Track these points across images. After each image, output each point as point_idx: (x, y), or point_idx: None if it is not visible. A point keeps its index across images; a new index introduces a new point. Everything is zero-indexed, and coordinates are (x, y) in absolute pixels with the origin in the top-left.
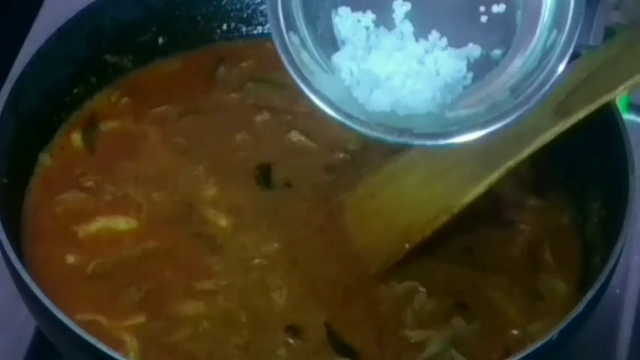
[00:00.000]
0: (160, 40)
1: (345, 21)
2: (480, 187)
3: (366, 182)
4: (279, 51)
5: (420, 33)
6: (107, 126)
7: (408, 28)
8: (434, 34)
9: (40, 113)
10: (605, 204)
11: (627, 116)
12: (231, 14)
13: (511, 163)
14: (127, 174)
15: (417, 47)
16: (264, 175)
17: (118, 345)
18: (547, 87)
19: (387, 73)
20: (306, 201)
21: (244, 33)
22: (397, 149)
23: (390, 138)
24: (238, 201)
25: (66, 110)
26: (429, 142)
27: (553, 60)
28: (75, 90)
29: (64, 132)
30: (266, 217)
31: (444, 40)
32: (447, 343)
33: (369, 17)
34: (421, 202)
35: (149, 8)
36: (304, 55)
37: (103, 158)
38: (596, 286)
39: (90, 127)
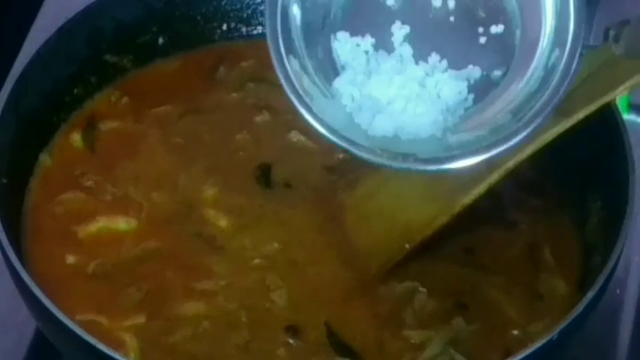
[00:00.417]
0: (160, 40)
1: (344, 45)
2: (480, 188)
3: (365, 182)
4: (280, 76)
5: (420, 55)
6: (107, 126)
7: (407, 51)
8: (433, 57)
9: (40, 113)
10: (605, 204)
11: (627, 116)
12: (231, 14)
13: (511, 163)
14: (127, 174)
15: (417, 70)
16: (264, 176)
17: (118, 345)
18: (549, 108)
19: (388, 97)
20: (306, 201)
21: (244, 33)
22: None
23: (395, 164)
24: (238, 201)
25: (66, 110)
26: (433, 168)
27: (556, 80)
28: (75, 90)
29: (64, 132)
30: (266, 218)
31: (444, 63)
32: (447, 344)
33: (368, 41)
34: (421, 202)
35: (149, 8)
36: (305, 81)
37: (103, 158)
38: (596, 286)
39: (90, 127)
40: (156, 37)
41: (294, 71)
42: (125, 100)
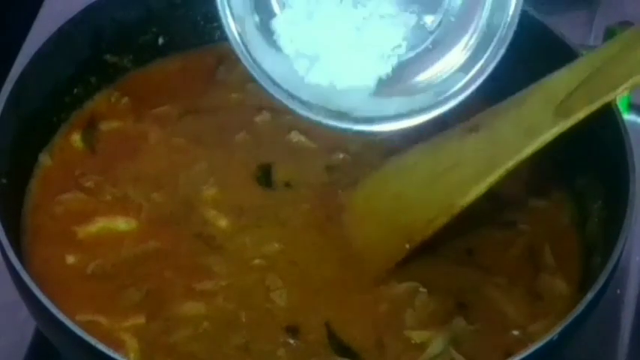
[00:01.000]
0: (160, 40)
1: None
2: (480, 188)
3: (366, 183)
4: (222, 20)
5: None
6: (107, 126)
7: None
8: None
9: (40, 113)
10: (605, 204)
11: (628, 116)
12: None
13: (511, 163)
14: (127, 174)
15: (356, 14)
16: (265, 176)
17: (117, 345)
18: (484, 75)
19: (326, 42)
20: (307, 201)
21: None
22: (397, 150)
23: (331, 122)
24: (238, 201)
25: (66, 110)
26: (368, 128)
27: (494, 44)
28: (75, 90)
29: (64, 132)
30: (266, 218)
31: (382, 7)
32: (447, 344)
33: None
34: (421, 202)
35: (149, 8)
36: (247, 25)
37: (103, 158)
38: (597, 286)
39: (90, 127)
40: (156, 37)
41: (237, 15)
42: (125, 100)
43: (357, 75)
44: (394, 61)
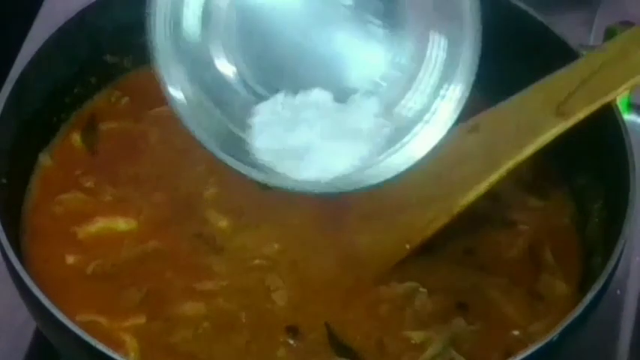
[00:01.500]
0: None
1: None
2: (480, 188)
3: None
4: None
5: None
6: (107, 126)
7: (323, 94)
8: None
9: (40, 114)
10: (605, 204)
11: (628, 116)
12: None
13: (511, 163)
14: (127, 174)
15: (334, 110)
16: None
17: (118, 346)
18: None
19: (308, 142)
20: (307, 201)
21: None
22: None
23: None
24: (238, 201)
25: (66, 110)
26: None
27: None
28: (75, 90)
29: (64, 132)
30: (266, 218)
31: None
32: (447, 344)
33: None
34: (421, 202)
35: None
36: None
37: (103, 158)
38: (597, 286)
39: (90, 127)
40: None
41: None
42: (125, 100)
43: (344, 163)
44: (379, 139)
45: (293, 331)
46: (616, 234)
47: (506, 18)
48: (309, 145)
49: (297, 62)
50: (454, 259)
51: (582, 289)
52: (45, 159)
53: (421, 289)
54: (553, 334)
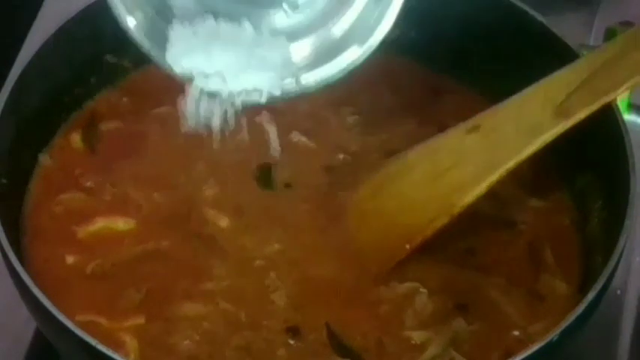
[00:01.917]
0: None
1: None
2: (480, 188)
3: (366, 183)
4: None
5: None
6: (107, 126)
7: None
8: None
9: (40, 113)
10: (605, 204)
11: (628, 116)
12: None
13: (511, 163)
14: (127, 174)
15: (248, 37)
16: (265, 176)
17: (117, 346)
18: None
19: (224, 64)
20: (307, 202)
21: None
22: (397, 150)
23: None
24: (238, 201)
25: (66, 110)
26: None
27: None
28: (75, 90)
29: (64, 132)
30: (266, 218)
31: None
32: (447, 344)
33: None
34: (421, 202)
35: None
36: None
37: (103, 158)
38: (597, 286)
39: (90, 127)
40: None
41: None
42: (125, 100)
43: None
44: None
45: (293, 331)
46: (616, 234)
47: (506, 18)
48: (223, 65)
49: None
50: (454, 260)
51: (582, 289)
52: (45, 159)
53: (421, 290)
54: (553, 335)
